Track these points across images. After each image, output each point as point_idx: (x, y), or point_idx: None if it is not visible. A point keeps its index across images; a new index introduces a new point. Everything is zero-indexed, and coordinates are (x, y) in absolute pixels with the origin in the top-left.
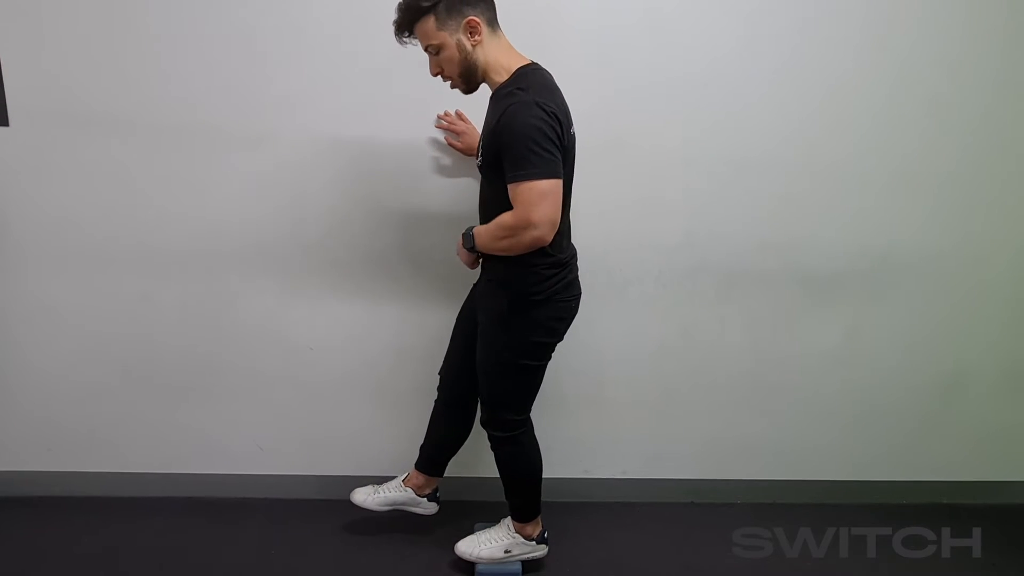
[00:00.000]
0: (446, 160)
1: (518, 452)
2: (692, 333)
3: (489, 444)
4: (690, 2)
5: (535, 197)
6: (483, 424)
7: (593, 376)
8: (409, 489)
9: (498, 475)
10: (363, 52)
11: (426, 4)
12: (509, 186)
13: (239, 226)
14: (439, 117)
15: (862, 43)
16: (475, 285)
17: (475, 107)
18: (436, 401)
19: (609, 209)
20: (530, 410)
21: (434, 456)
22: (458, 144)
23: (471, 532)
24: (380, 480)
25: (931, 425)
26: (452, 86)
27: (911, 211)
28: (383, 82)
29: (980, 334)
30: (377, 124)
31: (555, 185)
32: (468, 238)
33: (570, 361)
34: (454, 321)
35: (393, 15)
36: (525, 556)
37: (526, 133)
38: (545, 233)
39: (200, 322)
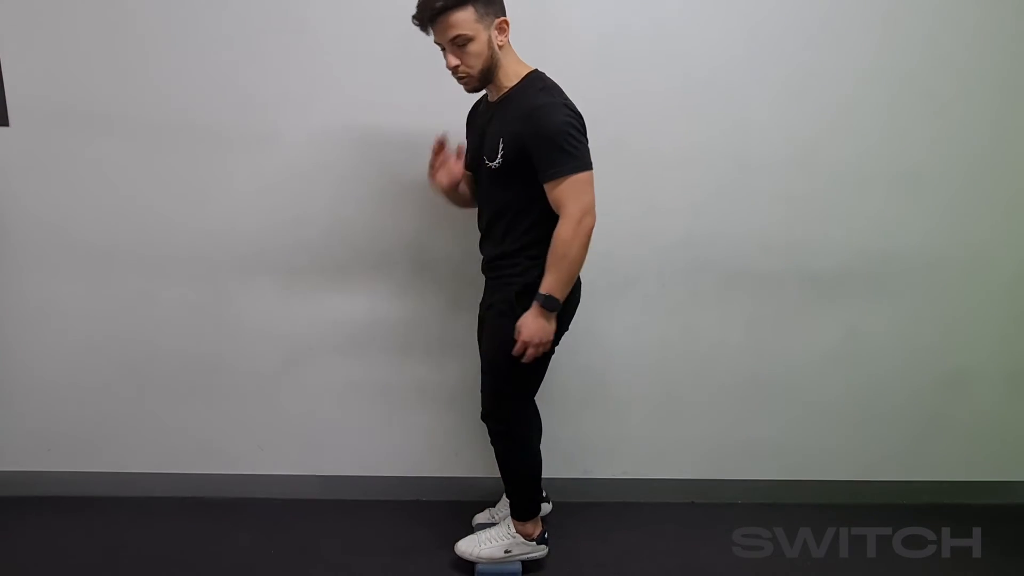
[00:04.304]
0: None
1: (517, 446)
2: (693, 333)
3: (489, 440)
4: (692, 3)
5: (582, 186)
6: (483, 418)
7: (594, 376)
8: None
9: (490, 475)
10: (363, 52)
11: None
12: (552, 183)
13: (239, 226)
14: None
15: (865, 44)
16: (481, 303)
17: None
18: None
19: (611, 209)
20: (532, 402)
21: None
22: (444, 181)
23: (471, 532)
24: (379, 479)
25: (932, 425)
26: (463, 80)
27: (913, 212)
28: (383, 81)
29: (981, 335)
30: (377, 123)
31: (592, 175)
32: (550, 300)
33: (571, 361)
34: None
35: (437, 1)
36: (525, 556)
37: (563, 131)
38: (594, 219)
39: (200, 322)
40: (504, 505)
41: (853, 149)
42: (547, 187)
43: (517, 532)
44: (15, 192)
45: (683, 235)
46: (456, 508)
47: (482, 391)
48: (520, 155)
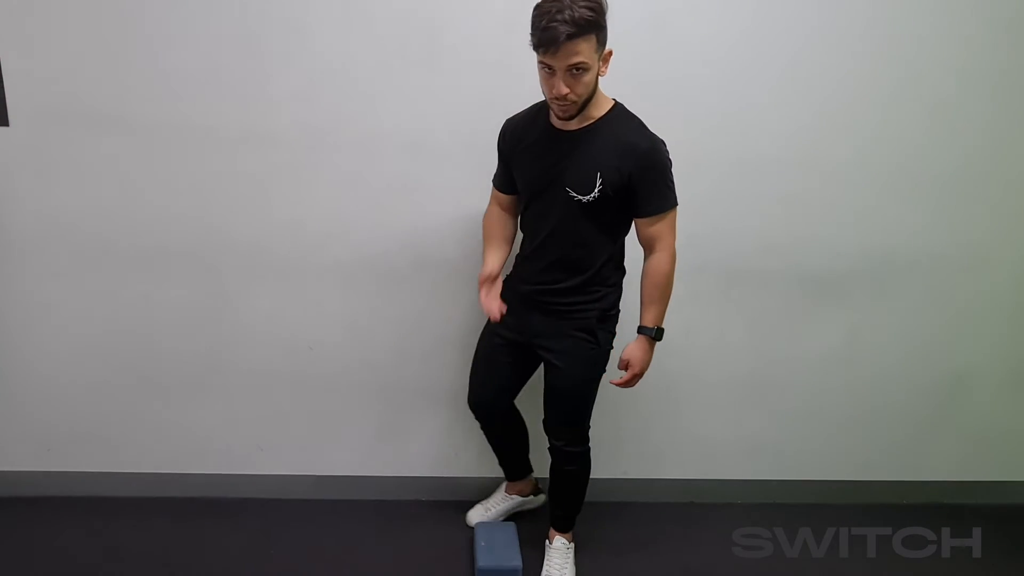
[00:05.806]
0: (447, 159)
1: (588, 461)
2: (693, 333)
3: (556, 464)
4: (692, 2)
5: (675, 221)
6: (564, 445)
7: None
8: (514, 496)
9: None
10: (363, 52)
11: (602, 24)
12: (654, 217)
13: (239, 226)
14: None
15: (865, 44)
16: (507, 318)
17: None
18: (481, 428)
19: None
20: None
21: (514, 463)
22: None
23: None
24: (379, 479)
25: (932, 425)
26: (566, 107)
27: (914, 212)
28: (384, 81)
29: (982, 335)
30: (377, 123)
31: None
32: (660, 332)
33: None
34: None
35: (567, 26)
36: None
37: (668, 168)
38: None
39: (200, 322)
40: (500, 499)
41: (854, 148)
42: (646, 220)
43: (570, 541)
44: (15, 192)
45: (683, 236)
46: (456, 508)
47: (553, 421)
48: (620, 190)
